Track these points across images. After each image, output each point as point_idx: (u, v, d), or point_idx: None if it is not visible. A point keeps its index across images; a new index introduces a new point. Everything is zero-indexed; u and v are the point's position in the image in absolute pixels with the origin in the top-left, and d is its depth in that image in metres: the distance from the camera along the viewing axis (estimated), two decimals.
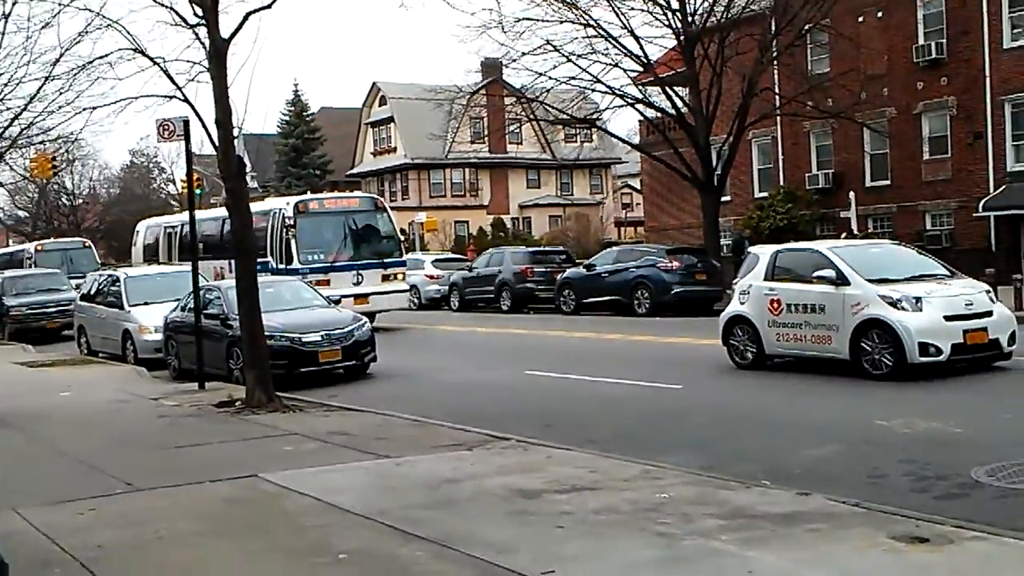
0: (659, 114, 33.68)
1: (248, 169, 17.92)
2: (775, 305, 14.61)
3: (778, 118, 35.64)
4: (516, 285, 31.27)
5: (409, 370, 17.72)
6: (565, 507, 7.49)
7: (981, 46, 31.41)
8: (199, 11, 13.35)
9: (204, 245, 27.28)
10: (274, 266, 24.67)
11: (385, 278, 25.56)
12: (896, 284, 13.57)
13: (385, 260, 25.76)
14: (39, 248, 39.68)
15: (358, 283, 24.81)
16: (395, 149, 64.14)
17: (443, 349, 21.62)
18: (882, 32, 33.85)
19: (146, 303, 20.89)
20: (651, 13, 30.89)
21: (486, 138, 54.84)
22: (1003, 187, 31.16)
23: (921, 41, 33.20)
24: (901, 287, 13.46)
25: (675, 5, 30.35)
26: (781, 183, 37.93)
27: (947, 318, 13.08)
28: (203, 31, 13.41)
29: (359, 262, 25.13)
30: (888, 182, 34.77)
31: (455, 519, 7.33)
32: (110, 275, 23.88)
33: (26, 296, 29.90)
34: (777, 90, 33.65)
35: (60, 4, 18.49)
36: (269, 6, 13.38)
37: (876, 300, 13.31)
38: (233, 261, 25.38)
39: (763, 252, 15.77)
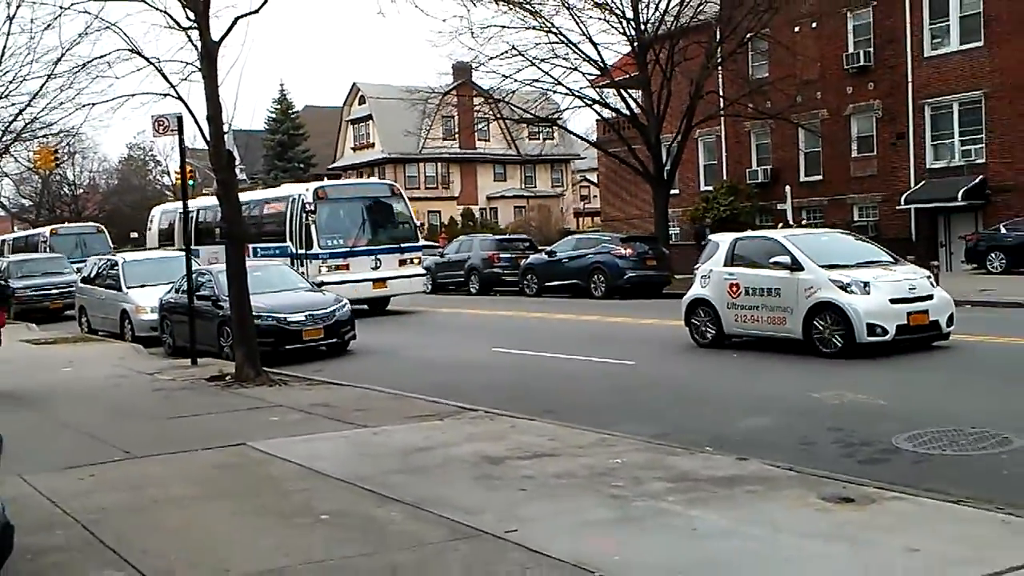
0: (614, 114, 33.69)
1: (237, 162, 17.76)
2: (734, 289, 14.49)
3: (722, 118, 35.80)
4: (484, 270, 31.27)
5: (386, 347, 17.67)
6: (527, 472, 7.51)
7: (904, 54, 31.72)
8: (191, 15, 13.19)
9: (220, 231, 26.72)
10: (294, 251, 23.56)
11: (402, 262, 24.12)
12: (846, 270, 13.50)
13: (402, 245, 24.30)
14: (54, 232, 38.10)
15: (376, 267, 23.46)
16: (373, 144, 63.83)
17: (416, 328, 21.55)
18: (816, 41, 34.07)
19: (142, 285, 20.70)
20: (607, 22, 30.95)
21: (457, 135, 54.70)
22: (923, 182, 31.53)
23: (851, 49, 33.46)
24: (850, 272, 13.41)
25: (629, 15, 30.36)
26: (724, 178, 38.15)
27: (892, 301, 13.05)
28: (195, 34, 13.25)
29: (377, 247, 23.71)
30: (820, 177, 35.07)
31: (427, 483, 7.33)
32: (109, 259, 23.59)
33: (31, 279, 29.45)
34: (721, 93, 33.78)
35: (61, 7, 18.21)
36: (257, 11, 13.24)
37: (828, 284, 13.23)
38: (248, 245, 22.78)
39: (723, 239, 15.60)
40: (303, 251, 23.21)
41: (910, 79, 31.68)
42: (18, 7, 22.93)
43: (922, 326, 13.19)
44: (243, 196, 27.88)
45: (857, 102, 33.60)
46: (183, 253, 17.19)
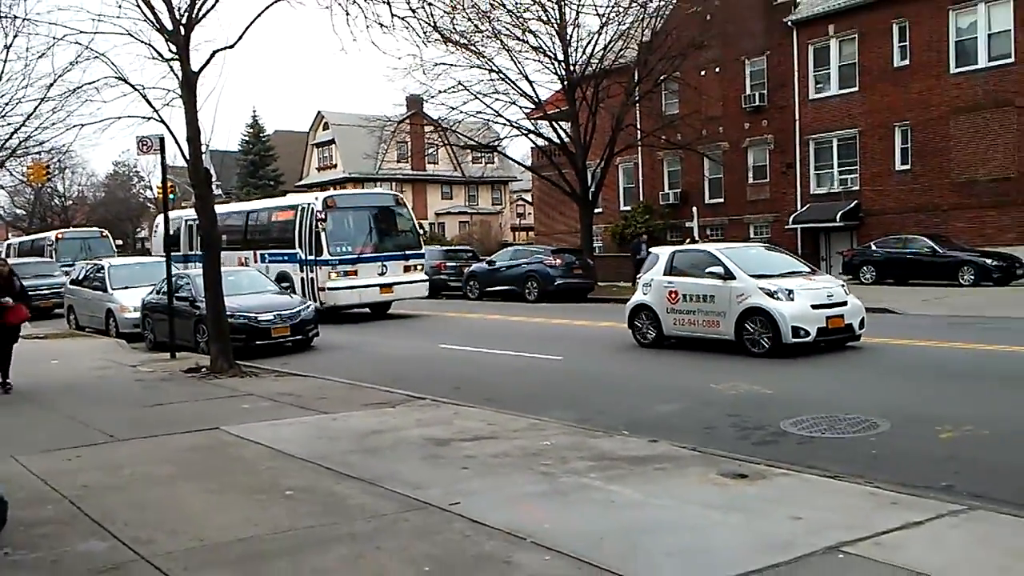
0: (547, 143, 33.81)
1: (214, 179, 17.46)
2: (673, 295, 14.30)
3: (639, 148, 36.17)
4: (432, 276, 30.79)
5: (345, 344, 17.50)
6: (469, 452, 7.50)
7: (793, 97, 32.47)
8: (173, 48, 12.95)
9: (227, 237, 24.53)
10: (303, 258, 21.80)
11: (407, 268, 22.31)
12: (772, 279, 13.36)
13: (407, 252, 22.48)
14: (60, 236, 34.77)
15: (383, 273, 21.67)
16: (336, 165, 63.18)
17: (371, 327, 21.34)
18: (719, 83, 34.68)
19: (126, 287, 20.22)
20: (542, 63, 31.05)
21: (409, 158, 54.54)
22: (807, 206, 32.28)
23: (748, 91, 34.13)
24: (776, 281, 13.27)
25: (560, 57, 30.53)
26: (640, 199, 38.57)
27: (813, 307, 12.96)
28: (176, 65, 13.01)
29: (384, 254, 21.90)
30: (722, 200, 35.67)
31: (380, 462, 7.28)
32: (96, 263, 22.96)
33: (23, 280, 28.45)
34: (638, 126, 34.14)
35: (54, 38, 17.73)
36: (232, 46, 13.03)
37: (757, 292, 13.11)
38: (256, 251, 23.35)
39: (663, 252, 15.35)
40: (312, 258, 21.45)
41: (797, 118, 32.43)
42: (15, 37, 22.31)
43: (839, 328, 13.15)
44: (252, 205, 26.38)
45: (753, 136, 34.27)
46: (163, 258, 16.70)
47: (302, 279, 21.71)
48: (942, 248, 26.10)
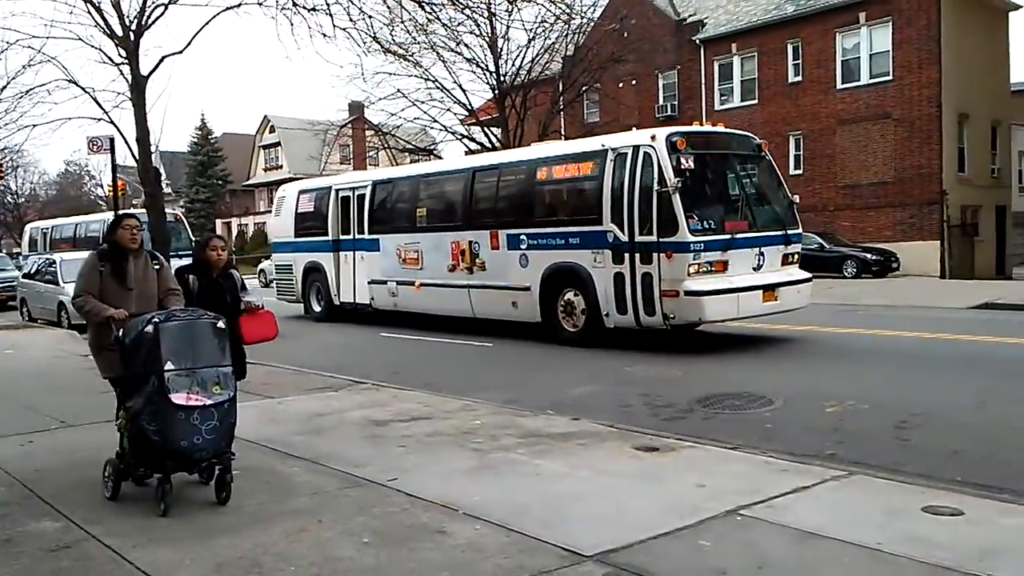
0: (479, 147, 33.76)
1: (163, 178, 16.85)
2: None
3: None
4: None
5: (290, 334, 17.14)
6: (405, 432, 7.46)
7: (700, 107, 33.10)
8: (123, 53, 12.53)
9: (428, 212, 15.85)
10: (620, 239, 11.87)
11: (785, 260, 12.43)
12: None
13: (788, 232, 12.44)
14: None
15: (759, 267, 11.91)
16: (281, 166, 61.99)
17: (309, 317, 20.93)
18: (635, 95, 35.13)
19: None
20: (475, 73, 30.93)
21: (352, 160, 53.72)
22: None
23: (661, 102, 34.67)
24: None
25: (491, 68, 30.51)
26: None
27: None
28: (127, 69, 12.60)
29: (758, 235, 12.02)
30: None
31: (323, 442, 7.18)
32: (47, 258, 22.06)
33: None
34: (563, 133, 34.36)
35: (7, 42, 16.90)
36: (181, 52, 12.69)
37: None
38: (501, 232, 14.03)
39: None
40: (645, 239, 11.58)
41: None
42: None
43: None
44: (484, 159, 16.44)
45: None
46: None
47: (617, 275, 12.00)
48: (829, 244, 27.01)
